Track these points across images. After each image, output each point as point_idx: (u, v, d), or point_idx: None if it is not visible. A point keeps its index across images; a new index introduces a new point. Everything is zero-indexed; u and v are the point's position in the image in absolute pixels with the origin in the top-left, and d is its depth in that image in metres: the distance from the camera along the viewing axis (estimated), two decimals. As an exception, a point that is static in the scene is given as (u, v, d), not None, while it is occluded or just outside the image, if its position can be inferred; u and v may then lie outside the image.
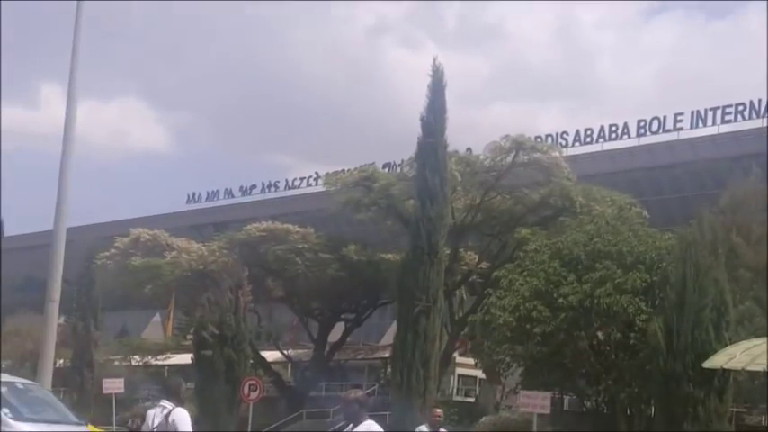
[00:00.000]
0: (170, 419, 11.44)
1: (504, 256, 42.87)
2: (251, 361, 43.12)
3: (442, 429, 17.30)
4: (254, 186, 77.27)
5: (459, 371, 54.14)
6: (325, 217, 55.36)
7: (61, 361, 40.10)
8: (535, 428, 28.01)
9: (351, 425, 11.05)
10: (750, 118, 53.79)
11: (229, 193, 78.94)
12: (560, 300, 31.00)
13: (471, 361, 45.00)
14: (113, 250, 51.87)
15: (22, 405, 17.31)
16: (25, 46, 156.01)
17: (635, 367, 30.91)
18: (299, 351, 59.74)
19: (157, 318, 74.79)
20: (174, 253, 50.53)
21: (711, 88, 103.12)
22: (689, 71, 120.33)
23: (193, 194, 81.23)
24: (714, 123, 54.70)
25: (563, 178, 43.01)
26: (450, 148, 35.62)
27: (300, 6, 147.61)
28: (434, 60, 34.08)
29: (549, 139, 55.21)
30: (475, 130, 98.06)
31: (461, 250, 47.06)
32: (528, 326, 31.75)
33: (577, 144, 59.07)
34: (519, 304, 32.01)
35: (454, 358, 49.00)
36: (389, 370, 43.76)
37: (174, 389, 12.14)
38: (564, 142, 57.63)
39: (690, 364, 25.48)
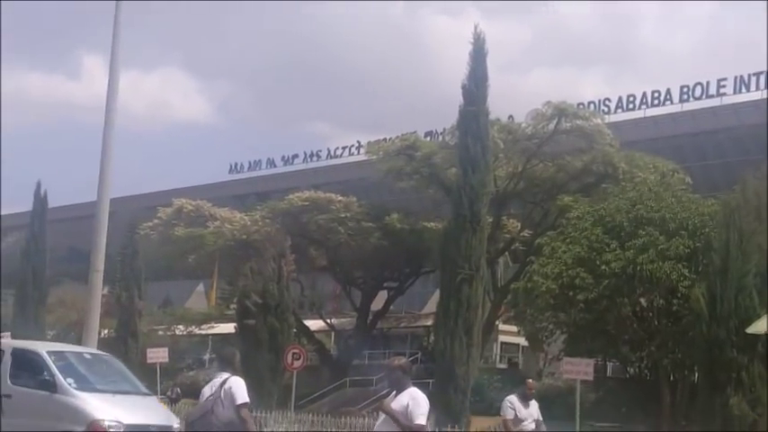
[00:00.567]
0: (226, 386, 11.52)
1: (547, 224, 42.86)
2: (294, 330, 43.28)
3: (533, 401, 17.00)
4: (296, 156, 77.11)
5: (502, 338, 54.29)
6: (368, 186, 55.46)
7: (106, 331, 40.26)
8: (578, 395, 27.99)
9: (394, 392, 11.17)
10: (794, 83, 53.29)
11: (271, 163, 78.83)
12: (603, 267, 31.02)
13: (514, 328, 44.84)
14: (156, 221, 52.06)
15: (91, 375, 17.11)
16: (67, 17, 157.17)
17: (678, 333, 30.88)
18: (342, 320, 59.85)
19: (201, 287, 75.22)
20: (216, 223, 50.64)
21: (755, 53, 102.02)
22: (732, 36, 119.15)
23: (236, 164, 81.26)
24: (758, 88, 54.09)
25: (605, 145, 42.81)
26: (492, 116, 35.40)
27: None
28: (475, 28, 33.81)
29: (592, 105, 55.02)
30: (515, 97, 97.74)
31: (504, 218, 47.06)
32: (571, 293, 31.79)
33: (620, 110, 58.59)
34: (561, 271, 32.05)
35: (497, 326, 49.06)
36: (432, 338, 43.93)
37: (228, 359, 12.16)
38: (606, 109, 57.21)
39: (733, 329, 25.32)
